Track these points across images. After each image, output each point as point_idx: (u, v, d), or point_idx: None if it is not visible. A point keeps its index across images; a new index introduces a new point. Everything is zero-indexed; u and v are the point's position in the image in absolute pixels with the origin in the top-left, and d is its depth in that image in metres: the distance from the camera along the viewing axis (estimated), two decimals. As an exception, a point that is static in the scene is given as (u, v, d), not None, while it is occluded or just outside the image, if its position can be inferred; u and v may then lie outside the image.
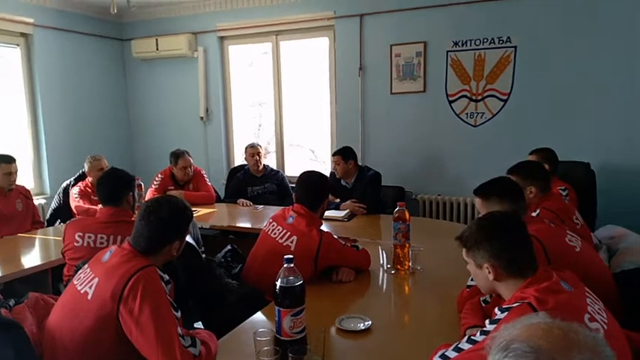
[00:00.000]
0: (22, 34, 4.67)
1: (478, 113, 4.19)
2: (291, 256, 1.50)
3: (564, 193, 2.97)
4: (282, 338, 1.46)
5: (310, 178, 2.46)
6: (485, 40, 4.07)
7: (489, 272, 1.42)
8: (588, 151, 3.67)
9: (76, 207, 3.61)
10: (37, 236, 3.30)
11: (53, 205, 3.96)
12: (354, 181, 3.81)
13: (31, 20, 4.63)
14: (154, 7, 5.28)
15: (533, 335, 0.74)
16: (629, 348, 1.27)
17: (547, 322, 0.79)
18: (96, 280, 1.57)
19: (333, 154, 3.86)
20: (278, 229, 2.34)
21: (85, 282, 1.59)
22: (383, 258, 2.38)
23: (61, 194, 3.91)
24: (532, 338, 0.74)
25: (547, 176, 2.60)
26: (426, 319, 1.91)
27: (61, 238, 2.50)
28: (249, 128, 5.51)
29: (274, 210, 3.79)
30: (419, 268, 2.35)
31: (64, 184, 3.95)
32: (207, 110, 5.33)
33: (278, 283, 1.47)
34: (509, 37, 3.99)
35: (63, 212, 3.81)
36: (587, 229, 2.53)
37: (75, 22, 5.05)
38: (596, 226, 3.16)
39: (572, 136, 3.83)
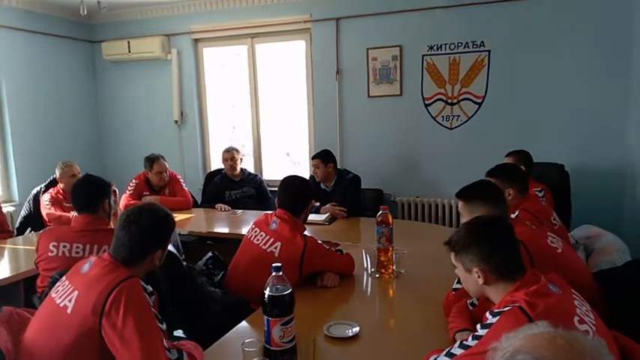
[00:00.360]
0: (-13, 35, 4.50)
1: (454, 116, 4.25)
2: (280, 265, 1.47)
3: (540, 195, 3.04)
4: (271, 348, 1.43)
5: (292, 182, 2.43)
6: (459, 45, 4.14)
7: (479, 276, 1.42)
8: (562, 152, 3.76)
9: (47, 214, 3.48)
10: (7, 246, 3.15)
11: (23, 212, 3.81)
12: (333, 184, 3.81)
13: (-5, 21, 4.47)
14: (126, 9, 5.16)
15: (538, 346, 0.74)
16: (617, 349, 1.30)
17: (550, 332, 0.79)
18: (75, 293, 1.50)
19: (313, 158, 3.85)
20: (261, 235, 2.31)
21: (64, 295, 1.52)
22: (367, 262, 2.37)
23: (31, 201, 3.77)
24: (536, 349, 0.74)
25: (525, 178, 2.65)
26: (413, 323, 1.91)
27: (32, 248, 2.41)
28: (225, 131, 5.45)
29: (253, 214, 3.77)
30: (403, 271, 2.35)
31: (34, 191, 3.81)
32: (181, 114, 5.24)
33: (267, 292, 1.44)
34: (482, 42, 4.07)
35: (33, 220, 3.67)
36: (564, 230, 2.59)
37: (43, 23, 4.89)
38: (571, 226, 3.24)
39: (546, 138, 3.92)
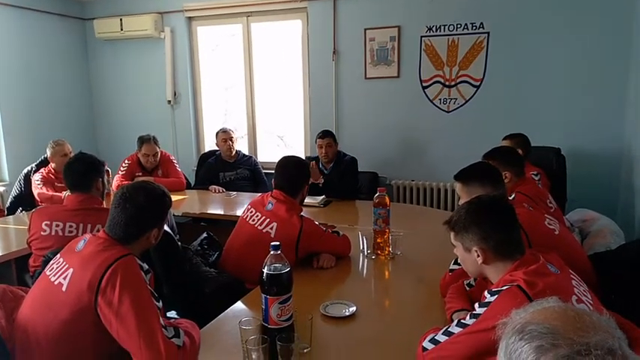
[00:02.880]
0: (-25, 11, 4.39)
1: (451, 99, 4.22)
2: (278, 243, 1.46)
3: (537, 178, 3.04)
4: (269, 326, 1.42)
5: (289, 163, 2.40)
6: (458, 26, 4.09)
7: (478, 255, 1.42)
8: (559, 136, 3.76)
9: (38, 194, 3.44)
10: (-2, 225, 3.13)
11: (14, 192, 3.76)
12: (332, 165, 3.79)
13: (-16, -4, 4.36)
14: (118, -15, 5.05)
15: (549, 317, 0.74)
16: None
17: (560, 306, 0.79)
18: (70, 270, 1.48)
19: (323, 137, 3.78)
20: (257, 216, 2.29)
21: (59, 273, 1.50)
22: (363, 244, 2.37)
23: (22, 181, 3.72)
24: (548, 320, 0.73)
25: (521, 161, 2.64)
26: (409, 303, 1.92)
27: (23, 227, 2.38)
28: (220, 112, 5.39)
29: (248, 197, 3.74)
30: (399, 253, 2.35)
31: (25, 171, 3.76)
32: (175, 94, 5.17)
33: (265, 271, 1.43)
34: (482, 23, 4.02)
35: (24, 200, 3.63)
36: (560, 213, 2.59)
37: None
38: (567, 209, 3.25)
39: (543, 122, 3.91)
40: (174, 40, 5.07)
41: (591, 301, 1.33)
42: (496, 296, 1.29)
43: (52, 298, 1.47)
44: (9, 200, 3.80)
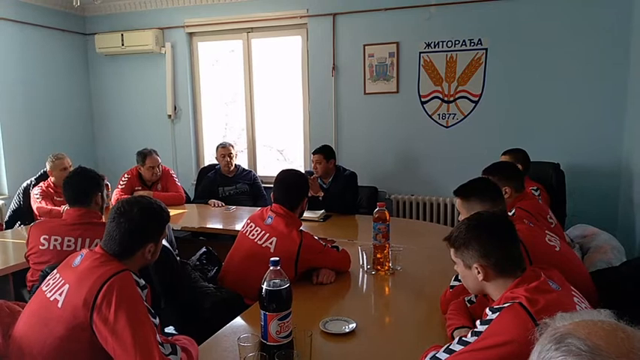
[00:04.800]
0: (-23, 26, 4.42)
1: (450, 114, 4.24)
2: (278, 259, 1.45)
3: (536, 193, 3.04)
4: (268, 343, 1.41)
5: (288, 176, 2.40)
6: (457, 42, 4.12)
7: (479, 272, 1.41)
8: (557, 151, 3.76)
9: (37, 208, 3.43)
10: (-5, 239, 3.11)
11: (12, 206, 3.75)
12: (331, 180, 3.78)
13: (-14, 11, 4.39)
14: (120, 1, 5.09)
15: (593, 333, 0.66)
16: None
17: (611, 323, 0.69)
18: (66, 286, 1.47)
19: (314, 153, 3.79)
20: (256, 230, 2.28)
21: (55, 289, 1.48)
22: (363, 259, 2.35)
23: (21, 195, 3.71)
24: (591, 337, 0.65)
25: (521, 176, 2.63)
26: (410, 320, 1.90)
27: (21, 241, 2.37)
28: (219, 127, 5.40)
29: (247, 211, 3.74)
30: (399, 268, 2.34)
31: (25, 184, 3.75)
32: (175, 108, 5.19)
33: (264, 287, 1.41)
34: (480, 40, 4.05)
35: (23, 214, 3.62)
36: (560, 229, 2.58)
37: (35, 14, 4.81)
38: (567, 225, 3.24)
39: (542, 137, 3.92)
40: (174, 55, 5.10)
41: (593, 319, 1.31)
42: (497, 313, 1.28)
43: (47, 314, 1.46)
44: (7, 214, 3.78)
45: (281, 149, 5.30)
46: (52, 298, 1.47)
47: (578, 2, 3.76)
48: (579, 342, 0.65)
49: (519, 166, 2.93)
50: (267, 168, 5.12)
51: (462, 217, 1.92)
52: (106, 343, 1.38)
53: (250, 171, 4.46)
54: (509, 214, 2.31)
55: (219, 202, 4.02)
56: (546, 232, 2.01)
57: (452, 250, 1.50)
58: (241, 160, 4.79)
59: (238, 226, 3.08)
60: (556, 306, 1.27)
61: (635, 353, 0.62)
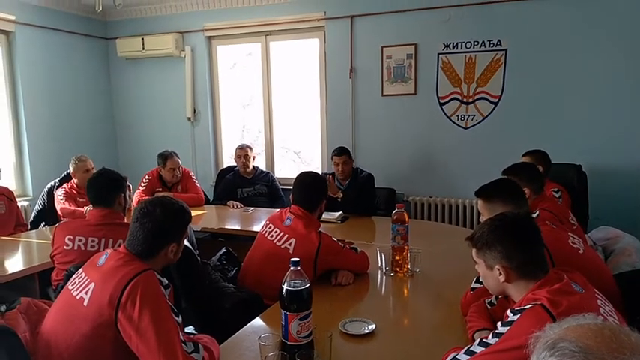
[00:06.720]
0: (3, 32, 4.54)
1: (469, 115, 4.21)
2: (298, 259, 1.46)
3: (557, 195, 3.00)
4: (288, 343, 1.42)
5: (307, 178, 2.41)
6: (475, 43, 4.10)
7: (500, 274, 1.40)
8: (579, 153, 3.71)
9: (61, 209, 3.51)
10: (21, 239, 3.18)
11: (37, 207, 3.84)
12: (348, 182, 3.79)
13: (12, 17, 4.50)
14: (140, 6, 5.18)
15: (582, 335, 0.71)
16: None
17: (597, 324, 0.75)
18: (92, 285, 1.50)
19: (339, 154, 3.76)
20: (275, 232, 2.30)
21: (81, 287, 1.52)
22: (381, 260, 2.35)
23: (45, 196, 3.79)
24: (581, 338, 0.70)
25: (541, 178, 2.61)
26: (429, 321, 1.89)
27: (46, 242, 2.42)
28: (237, 129, 5.45)
29: (265, 212, 3.76)
30: (417, 270, 2.33)
31: (49, 186, 3.84)
32: (194, 111, 5.25)
33: (285, 287, 1.43)
34: (499, 41, 4.02)
35: (47, 215, 3.70)
36: (581, 231, 2.54)
37: (58, 19, 4.93)
38: (589, 227, 3.19)
39: (563, 139, 3.87)
40: (194, 58, 5.17)
41: (617, 321, 1.30)
42: (519, 315, 1.27)
43: (73, 311, 1.49)
44: (32, 215, 3.88)
45: (297, 151, 5.32)
46: (78, 297, 1.51)
47: (601, 2, 3.70)
48: (571, 344, 0.70)
49: (540, 168, 2.90)
50: (284, 170, 5.15)
51: (483, 219, 1.91)
52: (130, 340, 1.40)
53: (268, 173, 4.49)
54: (533, 215, 2.28)
55: (238, 203, 4.05)
56: (569, 234, 1.99)
57: (474, 250, 1.49)
58: (259, 162, 4.83)
59: (256, 227, 3.11)
60: (578, 308, 1.25)
61: (623, 346, 0.67)
